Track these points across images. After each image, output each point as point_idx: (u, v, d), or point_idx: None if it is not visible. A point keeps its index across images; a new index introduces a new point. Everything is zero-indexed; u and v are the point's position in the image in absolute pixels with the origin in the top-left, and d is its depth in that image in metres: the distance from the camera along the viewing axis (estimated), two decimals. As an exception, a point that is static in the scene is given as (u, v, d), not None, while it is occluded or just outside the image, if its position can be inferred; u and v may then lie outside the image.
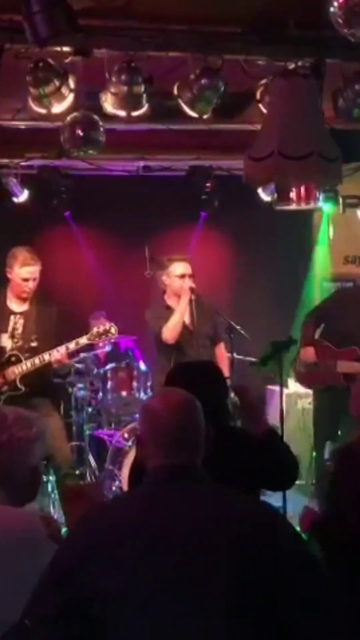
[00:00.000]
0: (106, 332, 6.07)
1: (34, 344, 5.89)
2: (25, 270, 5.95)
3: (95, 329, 6.09)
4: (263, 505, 2.35)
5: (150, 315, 6.36)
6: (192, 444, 2.32)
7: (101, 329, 6.07)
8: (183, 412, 2.34)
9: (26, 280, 5.95)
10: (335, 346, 6.62)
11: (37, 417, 2.85)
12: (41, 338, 5.90)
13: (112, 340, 6.69)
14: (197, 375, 3.41)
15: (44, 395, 6.01)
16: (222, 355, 6.58)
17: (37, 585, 2.13)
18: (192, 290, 6.20)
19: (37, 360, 5.81)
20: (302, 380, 6.99)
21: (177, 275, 6.28)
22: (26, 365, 5.83)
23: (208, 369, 3.69)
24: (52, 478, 6.37)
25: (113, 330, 6.08)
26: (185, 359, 6.07)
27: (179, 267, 6.30)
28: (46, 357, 5.80)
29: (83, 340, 5.95)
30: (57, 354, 5.79)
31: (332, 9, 4.29)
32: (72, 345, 5.88)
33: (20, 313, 6.01)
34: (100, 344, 6.79)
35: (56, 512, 6.40)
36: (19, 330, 5.97)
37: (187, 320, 6.23)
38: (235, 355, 6.80)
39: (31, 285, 5.97)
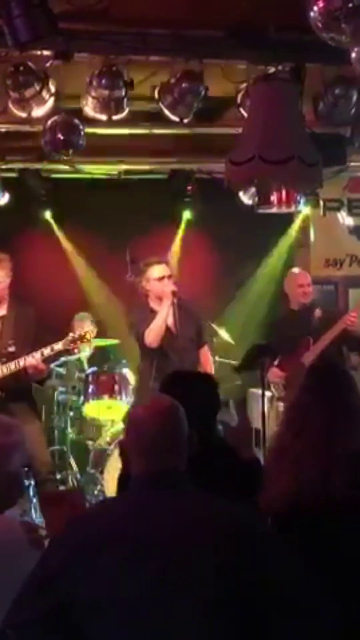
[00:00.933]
0: (82, 337, 5.97)
1: (11, 349, 5.77)
2: None
3: (70, 334, 6.00)
4: (245, 510, 2.35)
5: (134, 319, 6.33)
6: (174, 450, 2.32)
7: (77, 334, 5.98)
8: (165, 419, 2.34)
9: None
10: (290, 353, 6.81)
11: (18, 423, 2.83)
12: (19, 342, 5.79)
13: (93, 345, 6.62)
14: (194, 384, 3.44)
15: (22, 400, 5.91)
16: (207, 358, 6.55)
17: (20, 593, 2.12)
18: (174, 293, 6.16)
19: (12, 366, 5.70)
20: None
21: (156, 278, 6.23)
22: (2, 371, 5.74)
23: (205, 379, 3.71)
24: (33, 482, 6.33)
25: (88, 335, 6.00)
26: (167, 362, 6.05)
27: (156, 270, 6.25)
28: (22, 362, 5.71)
29: (58, 346, 5.84)
30: (31, 360, 5.72)
31: (312, 14, 4.29)
32: (47, 351, 5.77)
33: None
34: (75, 350, 6.67)
35: (37, 516, 6.37)
36: None
37: (170, 323, 6.20)
38: (217, 358, 6.79)
39: None
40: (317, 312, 7.00)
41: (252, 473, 3.37)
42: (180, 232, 8.60)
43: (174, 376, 3.92)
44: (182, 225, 8.56)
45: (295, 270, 7.53)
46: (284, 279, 7.49)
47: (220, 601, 2.02)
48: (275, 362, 6.89)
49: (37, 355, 5.70)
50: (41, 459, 5.92)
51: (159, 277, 6.21)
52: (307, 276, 7.23)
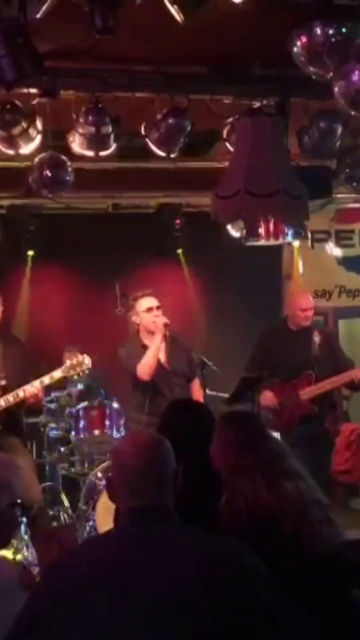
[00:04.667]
0: (80, 363, 5.96)
1: (2, 382, 5.77)
2: None
3: (68, 362, 5.99)
4: (233, 544, 2.33)
5: (125, 354, 6.28)
6: (159, 485, 2.30)
7: (74, 360, 5.97)
8: (149, 453, 2.33)
9: None
10: (289, 381, 6.73)
11: (8, 461, 2.81)
12: (9, 376, 5.78)
13: (85, 373, 6.47)
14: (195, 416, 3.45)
15: (15, 435, 5.89)
16: (197, 392, 6.54)
17: (7, 634, 2.09)
18: (166, 326, 6.14)
19: (10, 398, 5.66)
20: (275, 426, 6.96)
21: (145, 310, 6.22)
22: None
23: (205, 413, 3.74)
24: (24, 519, 6.27)
25: (87, 361, 5.98)
26: (160, 397, 6.02)
27: (144, 302, 6.25)
28: (20, 393, 5.66)
29: (57, 373, 5.84)
30: (31, 389, 5.68)
31: (295, 49, 4.37)
32: (46, 380, 5.77)
33: None
34: (75, 377, 6.57)
35: (30, 553, 6.31)
36: None
37: (162, 358, 6.19)
38: (207, 391, 6.76)
39: None
40: (316, 336, 6.86)
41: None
42: (168, 266, 8.61)
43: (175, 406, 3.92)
44: (170, 259, 8.57)
45: (298, 293, 7.48)
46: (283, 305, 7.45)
47: (209, 636, 2.00)
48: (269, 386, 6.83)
49: (37, 383, 5.69)
50: (32, 495, 5.82)
51: (147, 309, 6.20)
52: (310, 300, 7.05)
